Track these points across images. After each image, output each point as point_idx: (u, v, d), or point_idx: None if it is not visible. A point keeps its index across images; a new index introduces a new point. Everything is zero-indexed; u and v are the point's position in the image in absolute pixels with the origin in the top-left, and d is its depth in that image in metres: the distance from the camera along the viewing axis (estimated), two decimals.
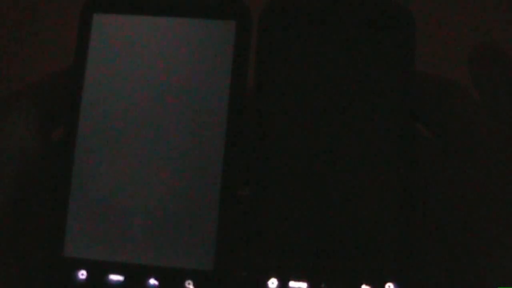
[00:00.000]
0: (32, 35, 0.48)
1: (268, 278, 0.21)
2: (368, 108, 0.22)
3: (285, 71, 0.22)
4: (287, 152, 0.22)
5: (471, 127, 0.21)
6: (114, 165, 0.22)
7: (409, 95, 0.22)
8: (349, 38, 0.22)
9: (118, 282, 0.22)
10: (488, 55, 0.22)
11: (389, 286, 0.20)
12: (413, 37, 0.22)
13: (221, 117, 0.22)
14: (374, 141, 0.22)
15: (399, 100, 0.22)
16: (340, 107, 0.22)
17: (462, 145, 0.21)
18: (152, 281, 0.21)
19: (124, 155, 0.22)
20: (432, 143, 0.23)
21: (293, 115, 0.22)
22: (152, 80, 0.23)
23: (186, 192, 0.22)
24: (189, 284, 0.21)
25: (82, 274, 0.22)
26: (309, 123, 0.22)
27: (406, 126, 0.21)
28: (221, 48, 0.23)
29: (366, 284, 0.21)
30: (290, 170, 0.22)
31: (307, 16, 0.22)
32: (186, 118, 0.22)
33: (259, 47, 0.22)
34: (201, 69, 0.23)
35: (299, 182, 0.21)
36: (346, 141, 0.22)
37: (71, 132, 0.23)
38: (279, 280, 0.21)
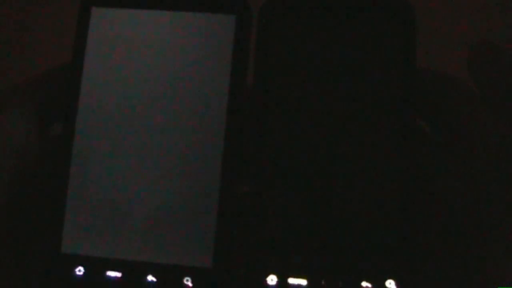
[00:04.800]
0: (30, 29, 0.48)
1: (267, 275, 0.21)
2: (368, 104, 0.22)
3: (285, 66, 0.22)
4: (286, 148, 0.22)
5: (471, 124, 0.21)
6: (112, 162, 0.22)
7: (410, 91, 0.22)
8: (349, 33, 0.22)
9: (115, 278, 0.21)
10: (487, 52, 0.22)
11: (389, 283, 0.20)
12: (413, 31, 0.22)
13: (220, 113, 0.22)
14: (374, 138, 0.21)
15: (400, 96, 0.22)
16: (341, 103, 0.22)
17: (462, 142, 0.21)
18: (150, 278, 0.21)
19: (122, 151, 0.22)
20: (433, 140, 0.22)
21: (293, 111, 0.22)
22: (151, 75, 0.23)
23: (185, 188, 0.22)
24: (187, 281, 0.21)
25: (80, 271, 0.22)
26: (309, 119, 0.22)
27: (406, 123, 0.21)
28: (221, 43, 0.23)
29: (367, 281, 0.20)
30: (290, 167, 0.21)
31: (307, 10, 0.22)
32: (185, 114, 0.22)
33: (259, 41, 0.22)
34: (200, 64, 0.23)
35: (298, 179, 0.21)
36: (347, 138, 0.21)
37: (69, 128, 0.23)
38: (278, 277, 0.21)
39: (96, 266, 0.22)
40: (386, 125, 0.22)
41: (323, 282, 0.21)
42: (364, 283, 0.20)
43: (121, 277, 0.21)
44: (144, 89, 0.23)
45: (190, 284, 0.21)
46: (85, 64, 0.23)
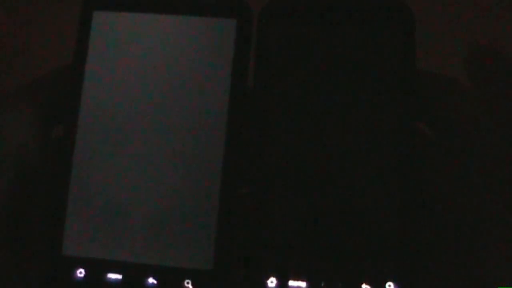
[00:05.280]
0: (31, 33, 0.48)
1: (267, 277, 0.21)
2: (368, 107, 0.22)
3: (285, 70, 0.22)
4: (287, 151, 0.22)
5: (471, 125, 0.21)
6: (113, 164, 0.22)
7: (410, 93, 0.22)
8: (348, 36, 0.22)
9: (116, 280, 0.21)
10: (485, 54, 0.22)
11: (389, 286, 0.20)
12: (412, 34, 0.22)
13: (221, 116, 0.22)
14: (374, 140, 0.21)
15: (399, 98, 0.22)
16: (340, 106, 0.22)
17: (462, 143, 0.21)
18: (151, 280, 0.21)
19: (123, 154, 0.22)
20: (432, 141, 0.23)
21: (293, 113, 0.22)
22: (152, 78, 0.23)
23: (186, 191, 0.22)
24: (188, 283, 0.21)
25: (81, 273, 0.22)
26: (309, 122, 0.22)
27: (406, 124, 0.21)
28: (222, 46, 0.23)
29: (366, 283, 0.20)
30: (290, 169, 0.21)
31: (307, 14, 0.22)
32: (186, 117, 0.22)
33: (259, 45, 0.22)
34: (201, 67, 0.23)
35: (298, 181, 0.21)
36: (347, 140, 0.22)
37: (71, 130, 0.23)
38: (278, 279, 0.21)
39: (96, 268, 0.22)
40: (386, 127, 0.22)
41: (323, 284, 0.21)
42: (364, 285, 0.20)
43: (121, 279, 0.21)
44: (145, 92, 0.23)
45: (190, 286, 0.21)
46: (87, 67, 0.23)
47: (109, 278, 0.21)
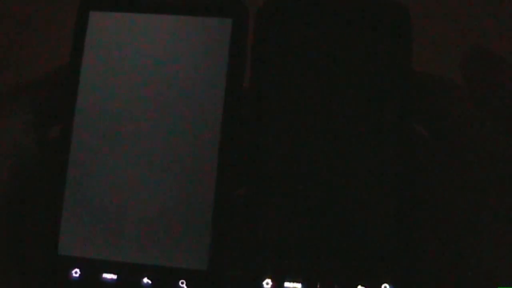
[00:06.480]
0: (28, 33, 0.48)
1: (263, 279, 0.21)
2: (365, 107, 0.22)
3: (281, 70, 0.22)
4: (282, 152, 0.22)
5: (467, 126, 0.21)
6: (109, 164, 0.22)
7: (406, 94, 0.22)
8: (345, 37, 0.22)
9: (111, 280, 0.21)
10: (480, 55, 0.22)
11: (385, 287, 0.20)
12: (410, 35, 0.22)
13: (217, 116, 0.22)
14: (371, 141, 0.21)
15: (396, 99, 0.22)
16: (337, 106, 0.22)
17: (458, 144, 0.21)
18: (146, 280, 0.21)
19: (119, 154, 0.22)
20: (430, 142, 0.23)
21: (289, 114, 0.22)
22: (148, 78, 0.23)
23: (181, 191, 0.22)
24: (182, 283, 0.21)
25: (76, 273, 0.22)
26: (306, 122, 0.22)
27: (403, 126, 0.21)
28: (218, 46, 0.23)
29: (362, 285, 0.20)
30: (285, 170, 0.21)
31: (304, 14, 0.22)
32: (182, 117, 0.22)
33: (256, 45, 0.22)
34: (197, 67, 0.23)
35: (294, 182, 0.21)
36: (343, 141, 0.22)
37: (67, 130, 0.23)
38: (273, 281, 0.21)
39: (92, 268, 0.22)
40: (384, 129, 0.22)
41: (318, 286, 0.20)
42: (360, 287, 0.20)
43: (116, 279, 0.21)
44: (141, 93, 0.23)
45: (185, 286, 0.21)
46: (83, 68, 0.23)
47: (105, 278, 0.21)
